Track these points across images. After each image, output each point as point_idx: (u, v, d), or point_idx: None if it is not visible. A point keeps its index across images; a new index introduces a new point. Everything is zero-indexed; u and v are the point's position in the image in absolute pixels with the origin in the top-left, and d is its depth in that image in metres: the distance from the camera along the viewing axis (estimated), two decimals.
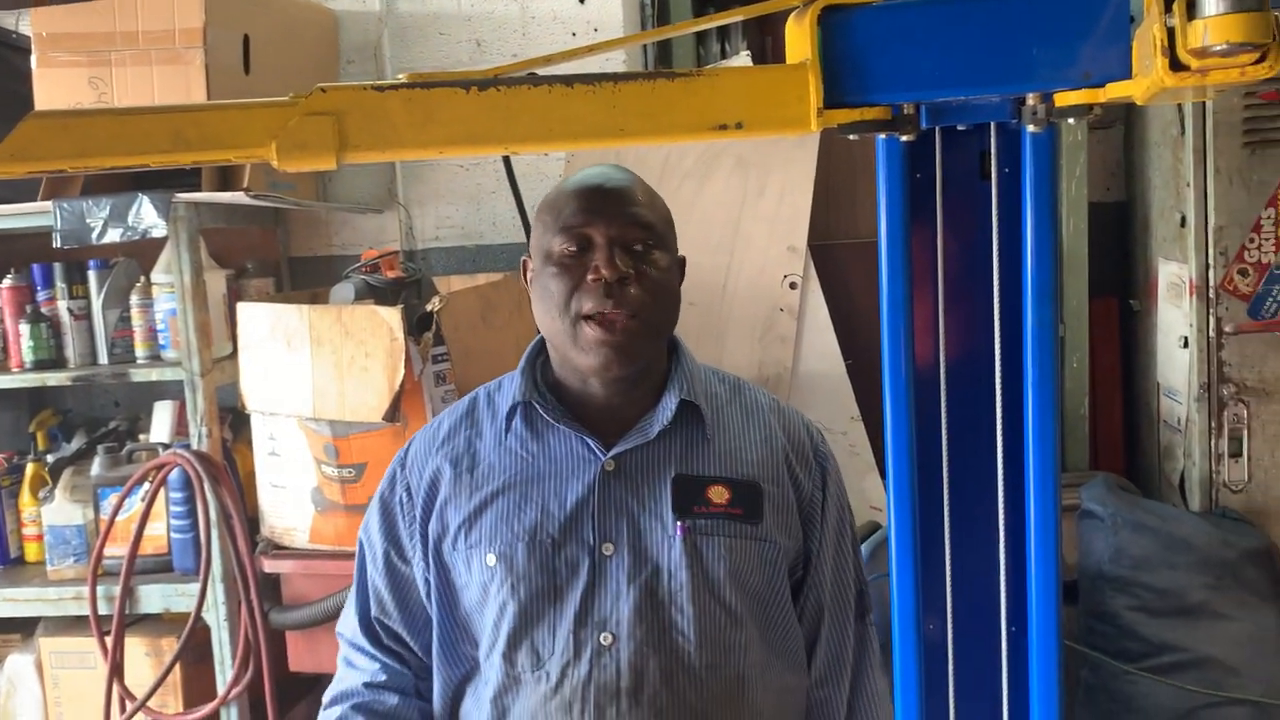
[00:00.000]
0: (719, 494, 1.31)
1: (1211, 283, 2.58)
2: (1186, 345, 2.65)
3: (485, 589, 1.30)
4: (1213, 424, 2.61)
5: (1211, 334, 2.59)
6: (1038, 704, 2.01)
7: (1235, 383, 2.59)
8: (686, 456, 1.33)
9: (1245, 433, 2.60)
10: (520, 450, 1.34)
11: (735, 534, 1.31)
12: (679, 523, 1.28)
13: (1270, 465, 2.59)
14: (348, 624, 1.44)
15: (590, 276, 1.27)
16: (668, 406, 1.34)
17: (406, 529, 1.37)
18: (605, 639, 1.25)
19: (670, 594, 1.27)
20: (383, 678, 1.38)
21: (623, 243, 1.29)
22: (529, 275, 1.38)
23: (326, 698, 1.43)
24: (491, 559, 1.29)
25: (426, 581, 1.36)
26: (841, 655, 1.42)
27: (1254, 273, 2.57)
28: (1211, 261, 2.58)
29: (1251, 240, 2.56)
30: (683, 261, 1.39)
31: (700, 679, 1.27)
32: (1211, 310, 2.59)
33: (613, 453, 1.31)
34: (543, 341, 1.39)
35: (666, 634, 1.26)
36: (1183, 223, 2.65)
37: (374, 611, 1.39)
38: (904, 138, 1.81)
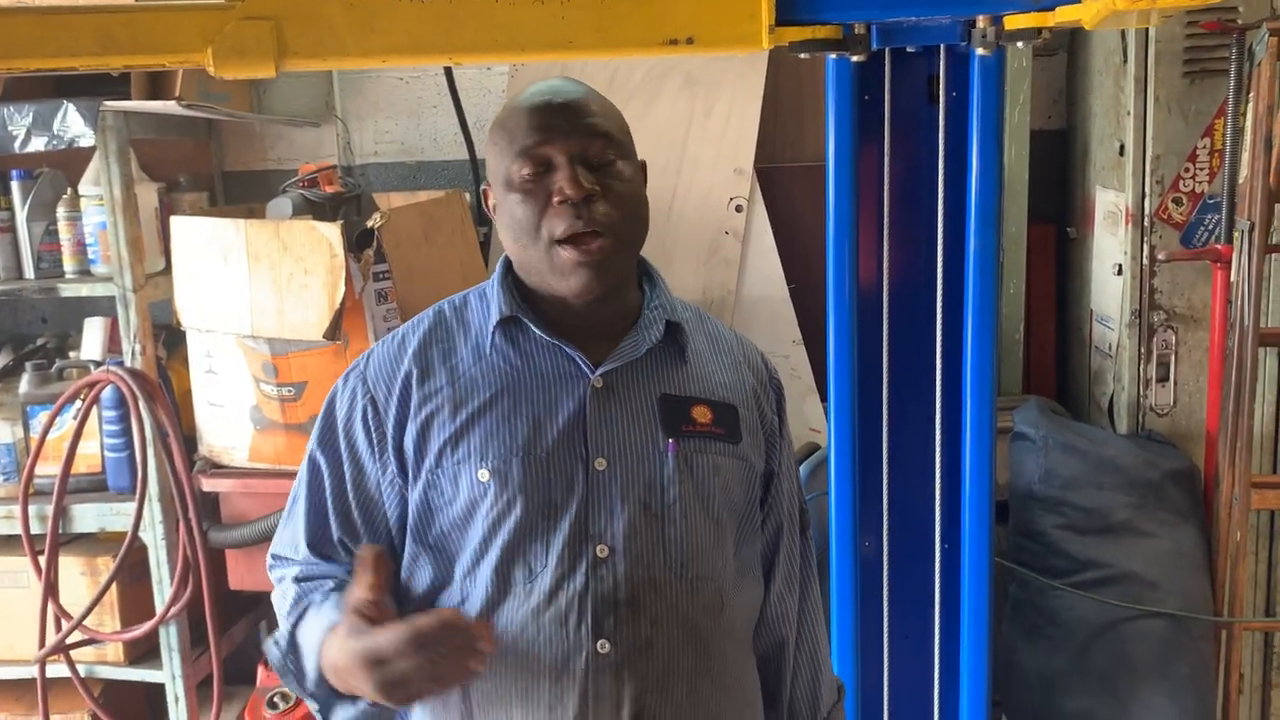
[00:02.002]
0: (702, 414, 1.32)
1: (1147, 211, 2.63)
2: (1120, 272, 2.70)
3: (474, 505, 1.27)
4: (1142, 349, 2.68)
5: (1145, 261, 2.65)
6: (968, 618, 2.08)
7: (1165, 309, 2.66)
8: (668, 377, 1.34)
9: (1173, 358, 2.68)
10: (503, 365, 1.31)
11: (720, 452, 1.33)
12: (670, 440, 1.29)
13: (1195, 390, 2.67)
14: (295, 545, 1.36)
15: (556, 199, 1.24)
16: (654, 325, 1.33)
17: (373, 445, 1.32)
18: (601, 551, 1.25)
19: (664, 508, 1.28)
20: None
21: (583, 158, 1.26)
22: (491, 204, 1.35)
23: (289, 585, 1.35)
24: (484, 474, 1.26)
25: (398, 499, 1.33)
26: (793, 568, 1.47)
27: (1188, 202, 2.62)
28: (1148, 190, 2.62)
29: (1187, 170, 2.60)
30: (643, 166, 1.37)
31: (692, 590, 1.29)
32: (1146, 238, 2.64)
33: (601, 370, 1.30)
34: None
35: (660, 547, 1.27)
36: (1121, 151, 2.68)
37: (336, 534, 1.34)
38: (854, 58, 1.81)
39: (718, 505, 1.32)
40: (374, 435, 1.32)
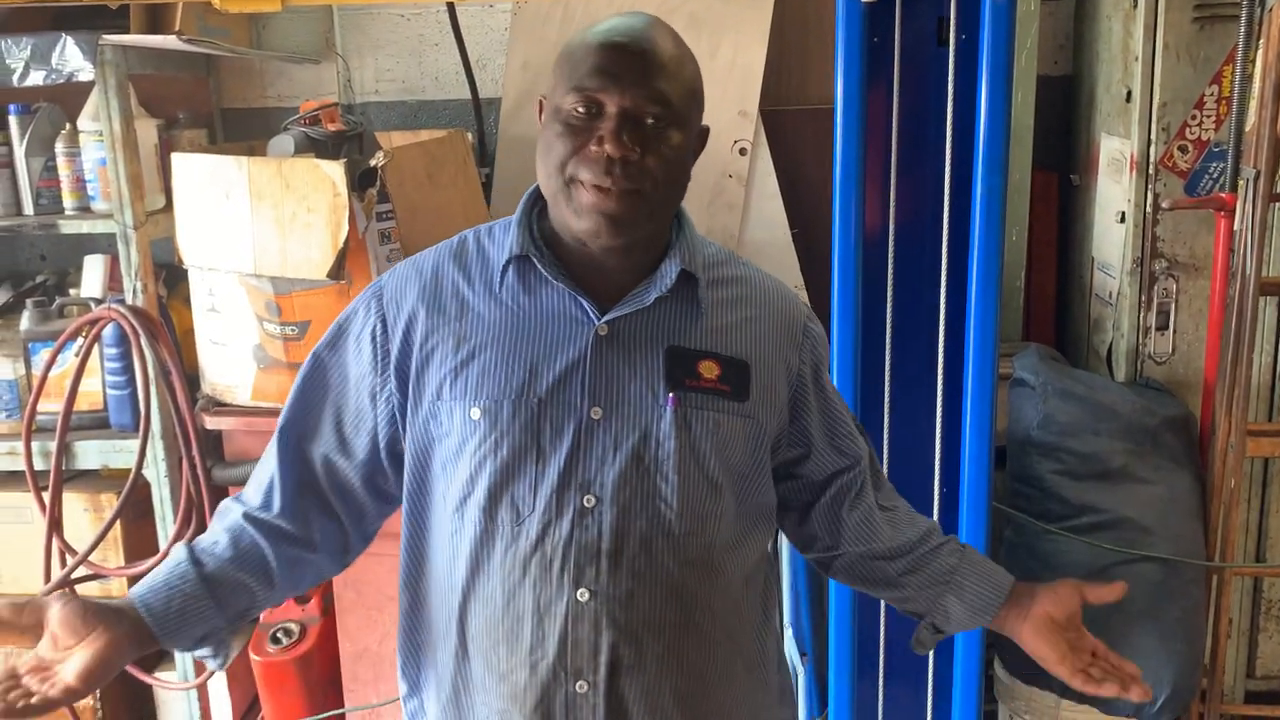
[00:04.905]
0: (709, 369, 1.31)
1: (1152, 159, 2.62)
2: (1123, 220, 2.70)
3: (465, 441, 1.28)
4: (1143, 298, 2.68)
5: (1148, 210, 2.64)
6: None
7: (1167, 258, 2.66)
8: (679, 328, 1.32)
9: (1173, 306, 2.68)
10: (511, 303, 1.31)
11: (723, 409, 1.31)
12: (670, 394, 1.28)
13: (1194, 338, 2.68)
14: (280, 429, 1.39)
15: (593, 147, 1.22)
16: (667, 275, 1.31)
17: (376, 360, 1.33)
18: (588, 501, 1.26)
19: (657, 462, 1.27)
20: (265, 513, 1.35)
21: (635, 116, 1.22)
22: (541, 117, 1.32)
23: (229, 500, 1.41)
24: (476, 413, 1.27)
25: (389, 417, 1.34)
26: (878, 476, 1.49)
27: (1193, 150, 2.61)
28: (1153, 138, 2.61)
29: (1194, 117, 2.59)
30: (704, 133, 1.34)
31: (678, 546, 1.29)
32: (1150, 186, 2.63)
33: (607, 317, 1.29)
34: (539, 190, 1.34)
35: (650, 500, 1.27)
36: (1128, 98, 2.66)
37: (327, 438, 1.35)
38: None
39: (714, 464, 1.30)
40: (379, 351, 1.33)
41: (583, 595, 1.25)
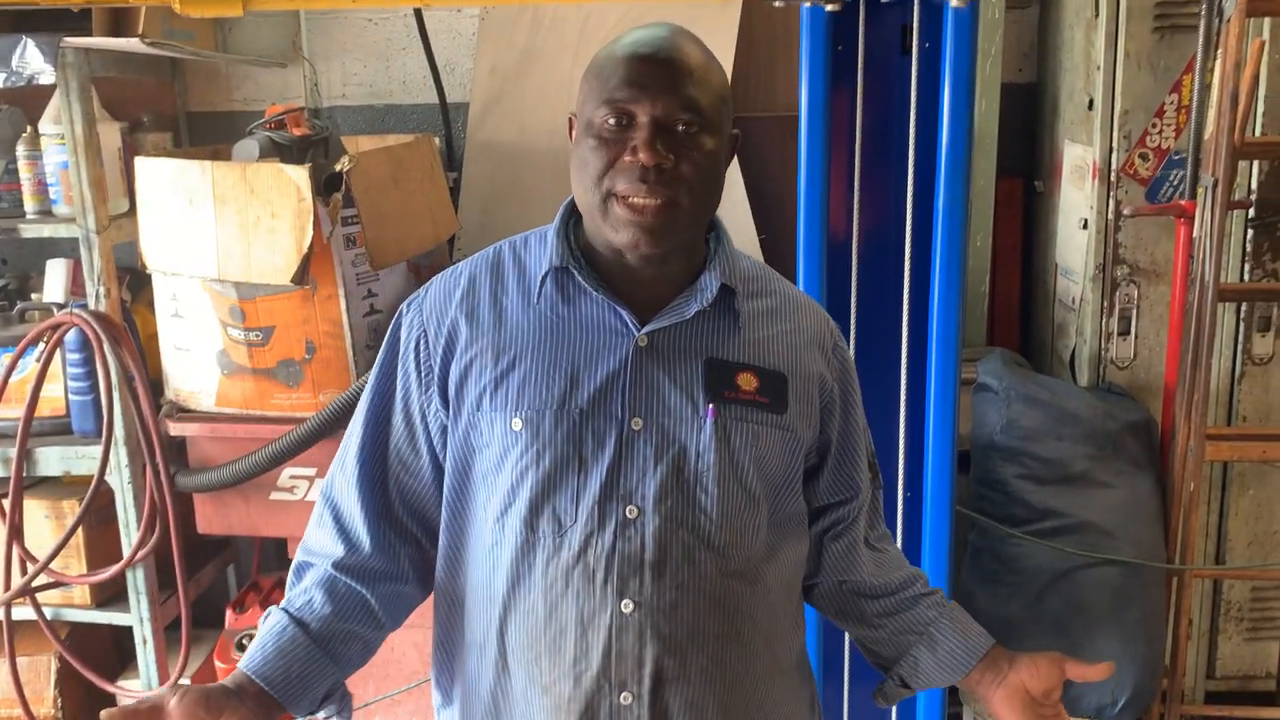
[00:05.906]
0: (747, 381, 1.31)
1: (1114, 166, 2.65)
2: (1086, 227, 2.73)
3: (506, 452, 1.29)
4: (1105, 303, 2.72)
5: (1110, 216, 2.68)
6: (929, 565, 2.13)
7: (1129, 264, 2.70)
8: (717, 340, 1.32)
9: (1135, 312, 2.72)
10: (550, 314, 1.31)
11: (761, 421, 1.32)
12: (710, 405, 1.29)
13: (1155, 344, 2.72)
14: (343, 459, 1.39)
15: (627, 158, 1.23)
16: (708, 288, 1.31)
17: (420, 376, 1.34)
18: (631, 512, 1.26)
19: (696, 474, 1.28)
20: (354, 557, 1.36)
21: (667, 124, 1.22)
22: (572, 135, 1.32)
23: (300, 550, 1.41)
24: (517, 423, 1.28)
25: (439, 431, 1.35)
26: (875, 516, 1.49)
27: (1154, 157, 2.64)
28: (1115, 145, 2.64)
29: (1154, 125, 2.63)
30: (734, 140, 1.35)
31: (720, 558, 1.30)
32: (1112, 193, 2.66)
33: (647, 329, 1.30)
34: (574, 203, 1.35)
35: (690, 512, 1.28)
36: (1090, 106, 2.70)
37: (394, 473, 1.37)
38: (829, 7, 1.81)
39: (752, 476, 1.31)
40: (422, 367, 1.34)
41: (627, 606, 1.25)
